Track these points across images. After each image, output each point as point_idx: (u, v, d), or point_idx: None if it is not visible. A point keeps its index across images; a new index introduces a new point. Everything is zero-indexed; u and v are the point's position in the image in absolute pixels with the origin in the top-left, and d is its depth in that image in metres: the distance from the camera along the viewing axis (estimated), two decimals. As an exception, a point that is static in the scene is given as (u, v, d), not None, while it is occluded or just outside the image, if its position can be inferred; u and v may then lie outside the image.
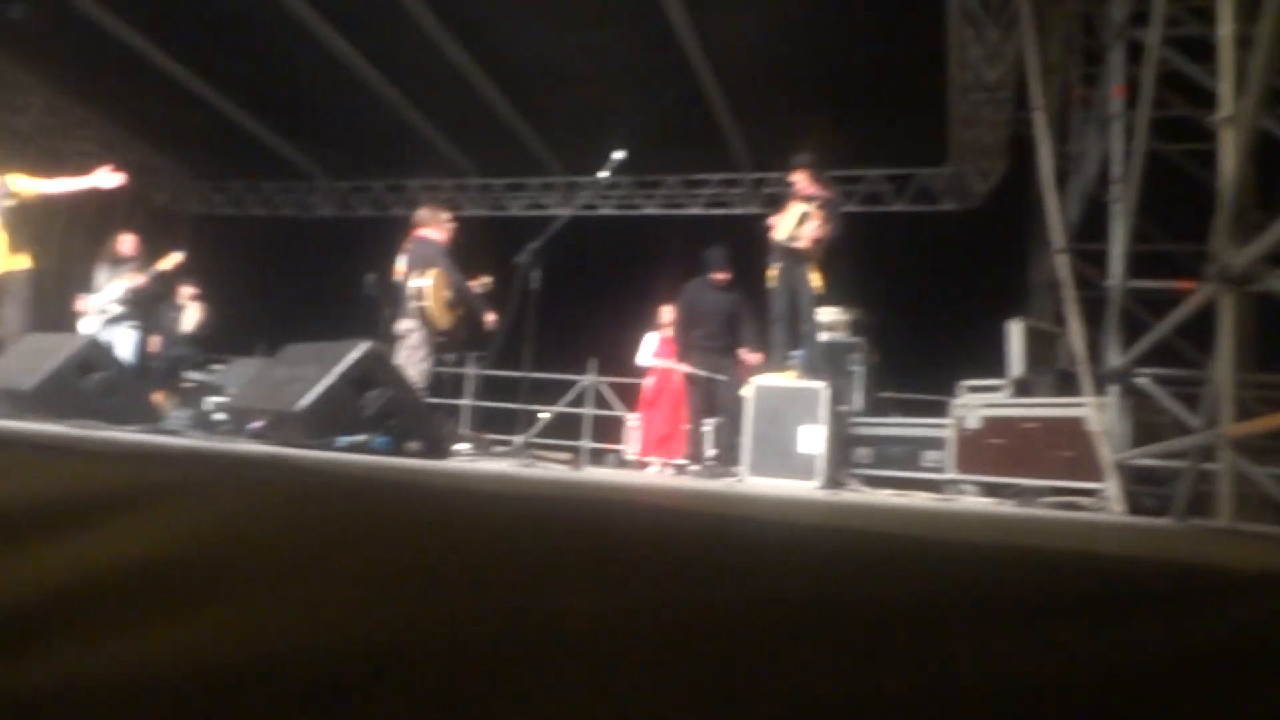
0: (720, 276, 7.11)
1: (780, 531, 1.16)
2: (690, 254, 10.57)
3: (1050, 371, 6.32)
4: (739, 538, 1.28)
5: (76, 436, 1.89)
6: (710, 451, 7.39)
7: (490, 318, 6.30)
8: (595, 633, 0.98)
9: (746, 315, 7.01)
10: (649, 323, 8.70)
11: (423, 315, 6.32)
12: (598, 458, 10.42)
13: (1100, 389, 5.53)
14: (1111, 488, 5.29)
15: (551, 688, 0.96)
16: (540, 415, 10.60)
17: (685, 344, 7.25)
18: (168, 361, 8.87)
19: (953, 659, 0.98)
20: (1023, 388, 6.41)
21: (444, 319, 6.36)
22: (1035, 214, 9.64)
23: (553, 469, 4.25)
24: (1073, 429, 5.76)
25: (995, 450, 6.23)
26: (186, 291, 9.31)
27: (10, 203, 5.65)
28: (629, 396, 10.85)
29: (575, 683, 0.96)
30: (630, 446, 10.19)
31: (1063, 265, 5.46)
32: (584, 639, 0.98)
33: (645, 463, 8.35)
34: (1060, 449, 5.82)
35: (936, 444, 6.73)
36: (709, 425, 9.85)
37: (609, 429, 10.96)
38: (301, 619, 1.04)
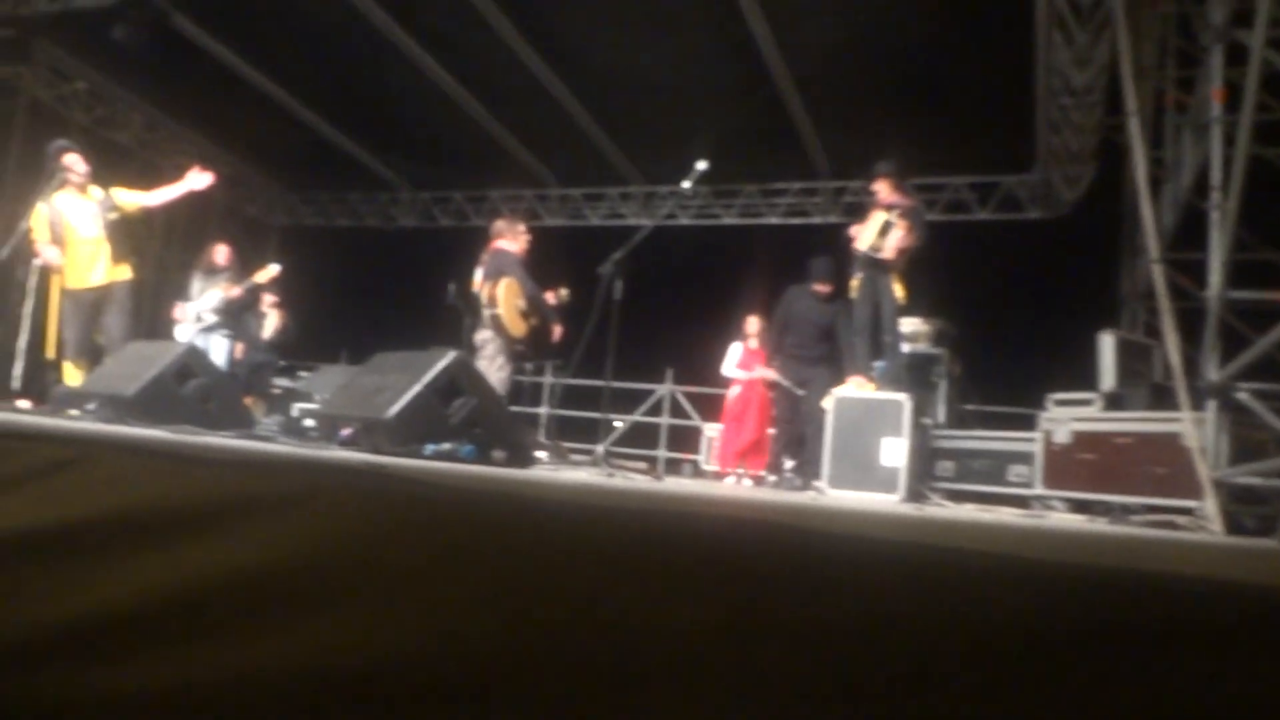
0: (822, 288, 6.95)
1: (887, 550, 1.14)
2: (768, 263, 10.58)
3: (1144, 385, 6.11)
4: (836, 554, 1.27)
5: (191, 444, 1.96)
6: (789, 463, 7.31)
7: (558, 329, 6.35)
8: (698, 648, 0.98)
9: (844, 331, 6.81)
10: (729, 332, 8.66)
11: (496, 324, 6.40)
12: (673, 467, 10.42)
13: (1197, 404, 5.33)
14: (1209, 506, 5.09)
15: (653, 702, 0.96)
16: (616, 424, 10.65)
17: (775, 350, 7.14)
18: (249, 368, 9.13)
19: (1064, 689, 0.95)
20: (1114, 401, 6.21)
21: (517, 327, 6.42)
22: (1125, 222, 9.40)
23: (635, 479, 4.26)
24: (1168, 445, 5.57)
25: (1085, 466, 6.05)
26: (268, 299, 9.59)
27: (113, 216, 5.87)
28: (704, 406, 10.84)
29: (677, 698, 0.96)
30: (708, 456, 10.17)
31: (1158, 275, 5.28)
32: (688, 654, 0.98)
33: (725, 474, 8.31)
34: (1155, 465, 5.62)
35: (1023, 458, 6.57)
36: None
37: (684, 438, 10.95)
38: (410, 628, 1.06)
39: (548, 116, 10.18)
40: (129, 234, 5.94)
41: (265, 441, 3.66)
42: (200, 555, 1.21)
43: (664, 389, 11.09)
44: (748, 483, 7.82)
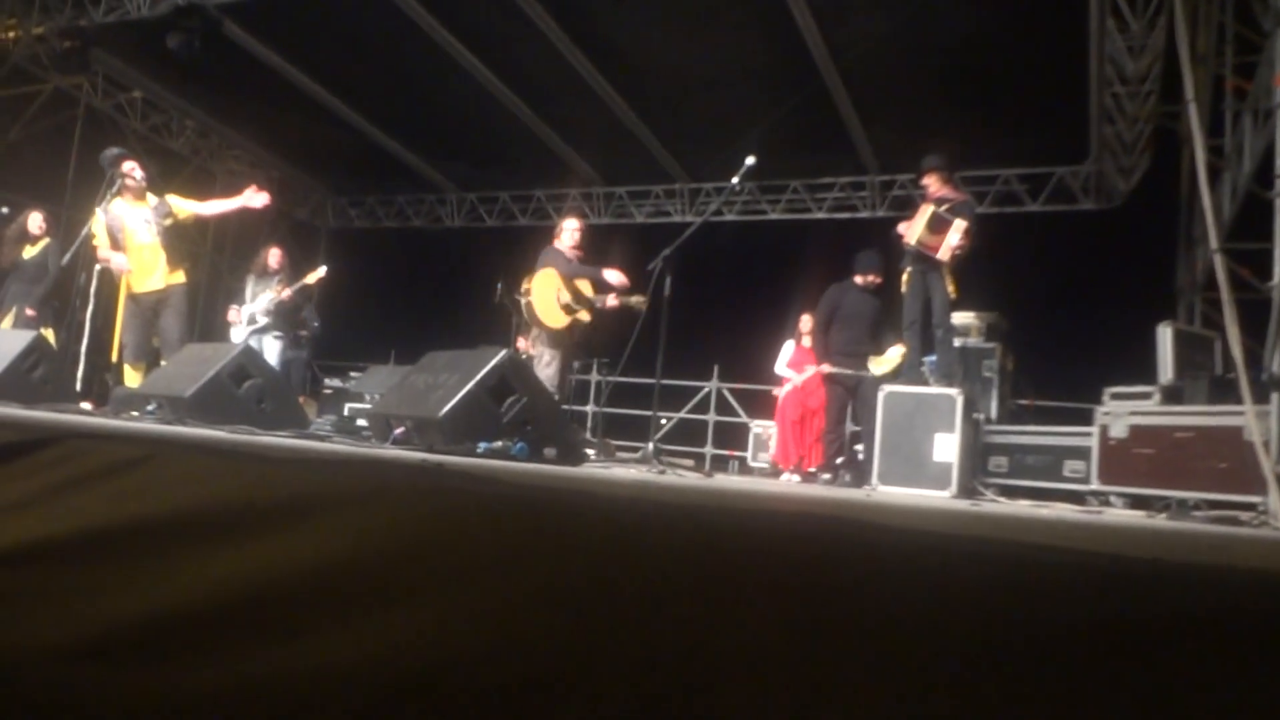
0: (873, 279, 6.81)
1: (949, 545, 1.13)
2: (815, 259, 10.50)
3: (1204, 378, 5.97)
4: (896, 550, 1.25)
5: (258, 443, 1.99)
6: (839, 460, 7.26)
7: (585, 317, 6.27)
8: (762, 647, 0.98)
9: (887, 323, 6.75)
10: (774, 329, 8.62)
11: (529, 312, 6.40)
12: (719, 464, 10.39)
13: (1260, 397, 5.19)
14: (1274, 501, 4.96)
15: (718, 702, 0.96)
16: (662, 420, 10.66)
17: (824, 348, 7.01)
18: (283, 365, 9.24)
19: (1132, 686, 0.93)
20: (1173, 395, 6.08)
21: (553, 318, 6.36)
22: (1181, 212, 9.20)
23: (685, 475, 4.26)
24: (1230, 439, 5.43)
25: (1143, 460, 5.93)
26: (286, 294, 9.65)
27: (168, 222, 5.99)
28: (751, 403, 10.81)
29: (742, 698, 0.96)
30: (754, 453, 10.14)
31: (1220, 265, 5.15)
32: (752, 653, 0.97)
33: (778, 470, 8.29)
34: (1216, 460, 5.50)
35: (1078, 453, 6.45)
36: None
37: (731, 435, 10.94)
38: (477, 626, 1.07)
39: (593, 115, 10.21)
40: (183, 239, 6.05)
41: (324, 440, 3.71)
42: (270, 552, 1.23)
43: (710, 385, 11.08)
44: (795, 478, 7.79)
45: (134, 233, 5.91)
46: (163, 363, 5.91)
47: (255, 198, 6.13)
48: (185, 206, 6.09)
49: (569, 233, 6.54)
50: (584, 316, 6.27)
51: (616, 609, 1.04)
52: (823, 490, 5.34)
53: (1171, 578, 1.14)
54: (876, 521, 1.85)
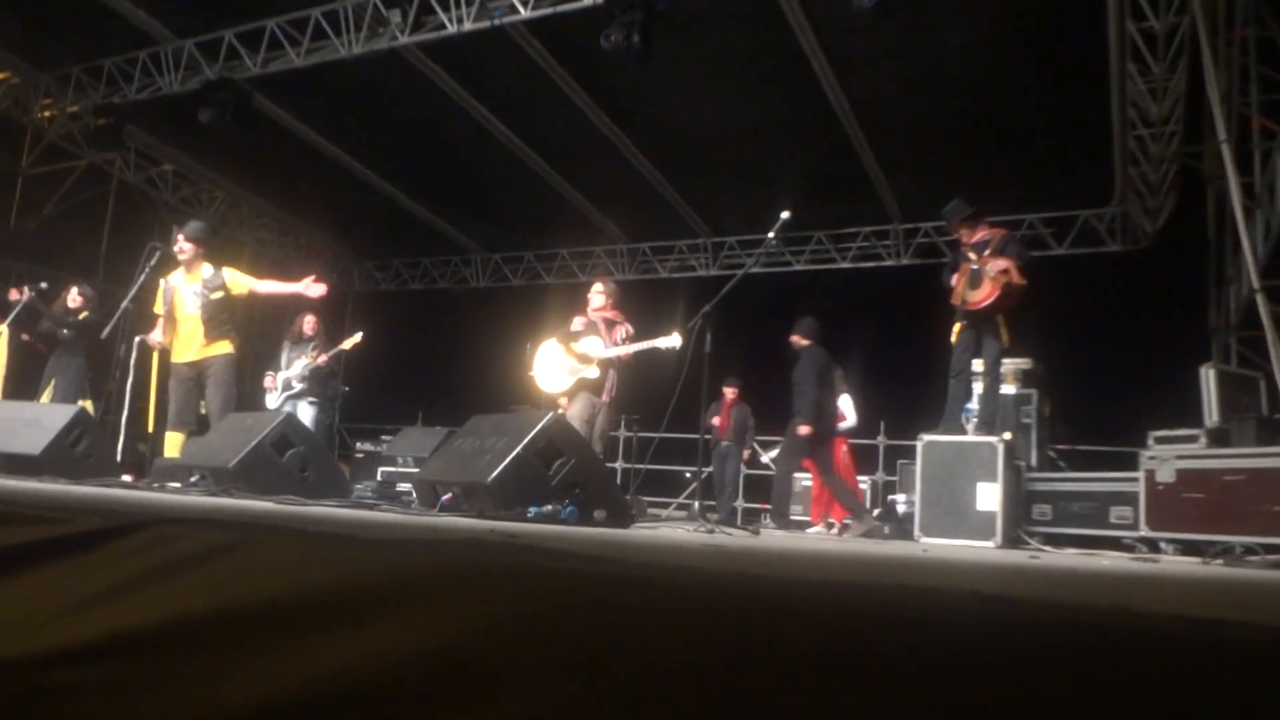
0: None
1: (1027, 612, 1.09)
2: (841, 309, 10.49)
3: (1251, 418, 5.87)
4: (976, 619, 1.21)
5: (339, 521, 1.97)
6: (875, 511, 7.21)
7: (593, 373, 6.18)
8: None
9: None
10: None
11: (534, 387, 6.52)
12: (750, 517, 10.28)
13: (1311, 437, 5.11)
14: (1332, 544, 4.86)
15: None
16: (686, 474, 10.59)
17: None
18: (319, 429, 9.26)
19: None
20: (1220, 437, 5.98)
21: (556, 384, 6.38)
22: (1209, 252, 9.15)
23: (734, 534, 4.21)
24: (1282, 481, 5.33)
25: (1192, 505, 5.81)
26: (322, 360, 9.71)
27: (216, 295, 5.99)
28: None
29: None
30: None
31: (1262, 305, 5.10)
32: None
33: (814, 524, 8.25)
34: (1269, 502, 5.37)
35: (1125, 499, 6.33)
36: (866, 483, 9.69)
37: (760, 487, 10.84)
38: (587, 714, 1.04)
39: (615, 173, 10.33)
40: (233, 313, 6.09)
41: (369, 509, 3.69)
42: (373, 640, 1.20)
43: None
44: (820, 530, 7.74)
45: (182, 304, 5.99)
46: (208, 433, 5.93)
47: (313, 287, 6.17)
48: (241, 281, 6.13)
49: (594, 295, 6.53)
50: (590, 373, 6.18)
51: (743, 693, 1.01)
52: (881, 548, 5.26)
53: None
54: (951, 586, 1.81)
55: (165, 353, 6.13)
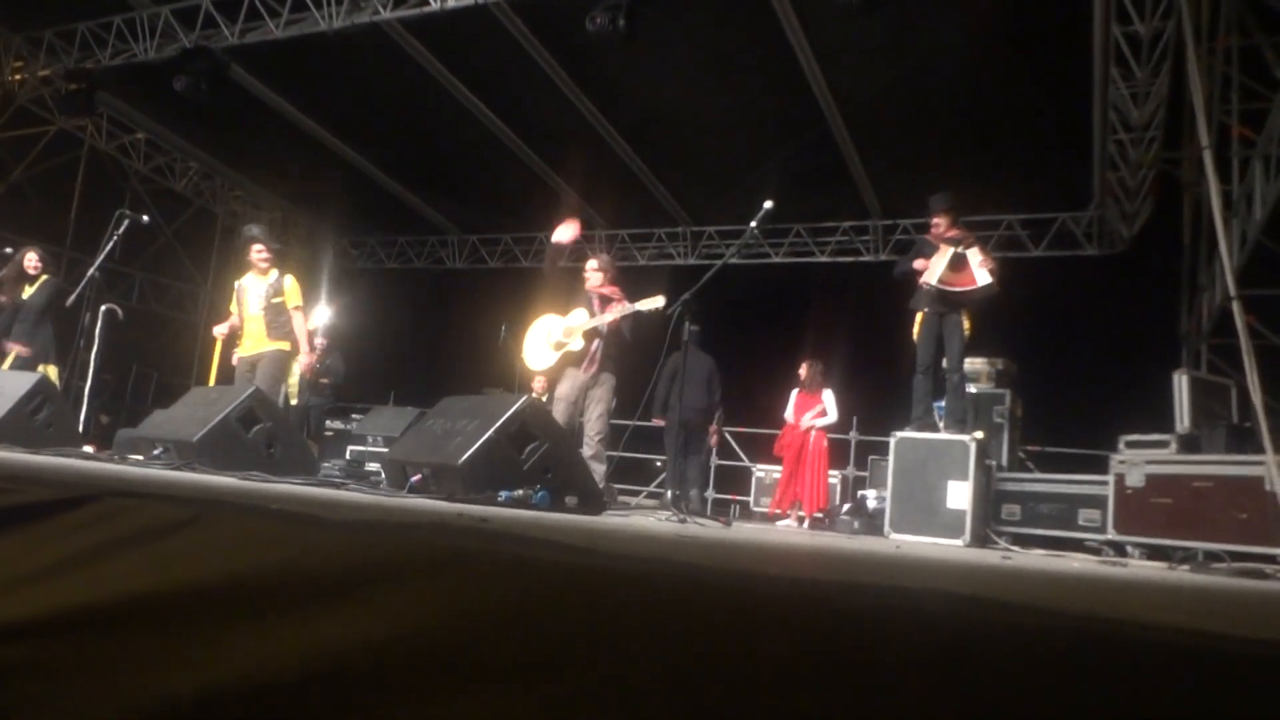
0: None
1: (1057, 624, 1.05)
2: (817, 302, 10.49)
3: (1222, 426, 5.92)
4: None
5: (302, 500, 1.91)
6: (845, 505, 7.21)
7: (579, 344, 5.93)
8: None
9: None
10: (776, 372, 8.63)
11: (523, 366, 6.48)
12: (721, 508, 10.27)
13: (1280, 445, 5.15)
14: (1297, 552, 4.90)
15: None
16: (656, 463, 10.56)
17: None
18: (301, 411, 9.15)
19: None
20: (1191, 443, 6.02)
21: (541, 360, 6.21)
22: (1184, 259, 9.21)
23: (706, 525, 4.17)
24: (1250, 489, 5.37)
25: (1161, 510, 5.86)
26: (317, 342, 9.61)
27: (276, 299, 6.52)
28: (752, 446, 10.73)
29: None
30: (758, 497, 10.06)
31: (1238, 313, 5.13)
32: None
33: (778, 516, 8.25)
34: (1236, 510, 5.42)
35: (1094, 502, 6.37)
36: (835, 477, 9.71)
37: (732, 479, 10.83)
38: (569, 709, 0.99)
39: (596, 158, 10.23)
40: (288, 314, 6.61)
41: (336, 487, 3.62)
42: (335, 626, 1.15)
43: (712, 429, 10.97)
44: (803, 525, 7.74)
45: (249, 304, 6.56)
46: (174, 405, 5.88)
47: (564, 229, 6.23)
48: (293, 293, 6.65)
49: (590, 274, 6.29)
50: (575, 345, 5.98)
51: (718, 694, 0.96)
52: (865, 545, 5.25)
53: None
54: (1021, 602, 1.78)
55: (227, 343, 6.85)
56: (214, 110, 9.52)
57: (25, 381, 5.28)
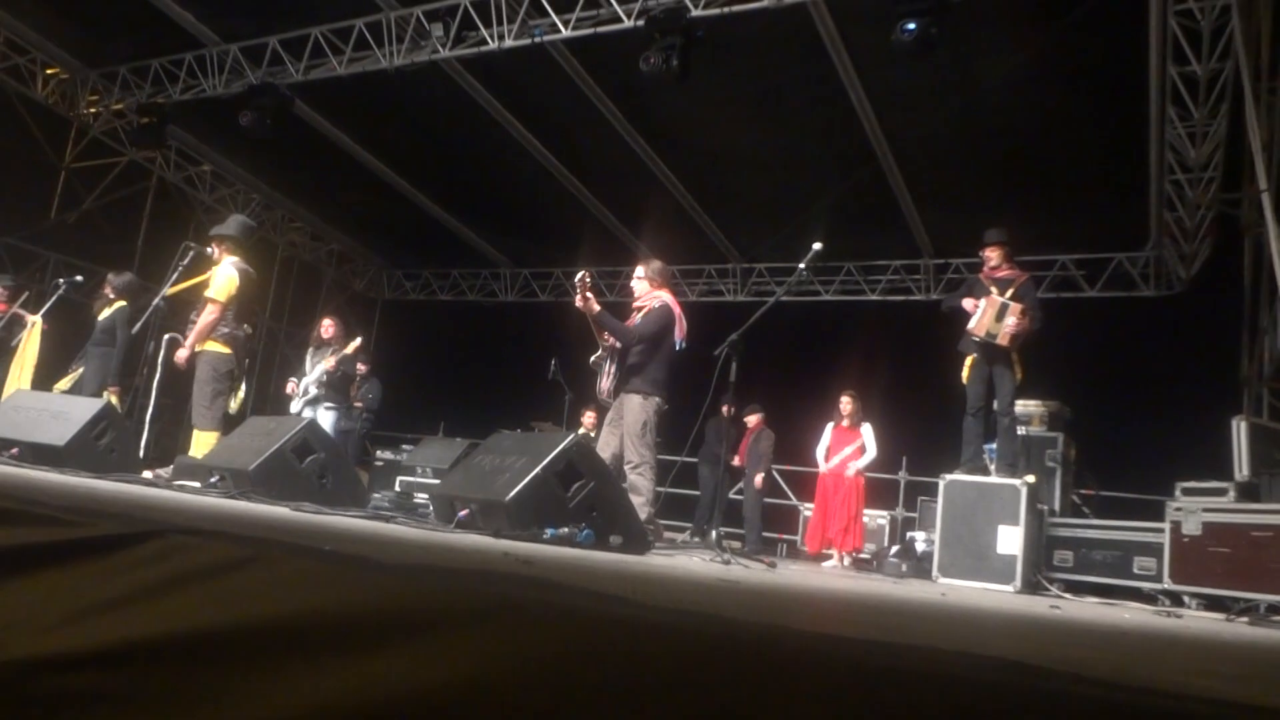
0: None
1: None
2: (867, 340, 10.41)
3: (1282, 475, 5.77)
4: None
5: (366, 538, 1.96)
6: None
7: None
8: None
9: None
10: (824, 410, 8.57)
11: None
12: (768, 546, 10.19)
13: (1344, 496, 5.01)
14: (1361, 608, 4.75)
15: None
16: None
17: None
18: (340, 435, 9.26)
19: None
20: (1249, 492, 5.87)
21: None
22: (1244, 301, 9.02)
23: (751, 566, 4.16)
24: (1313, 540, 5.23)
25: (1218, 559, 5.71)
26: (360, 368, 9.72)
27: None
28: (799, 485, 10.64)
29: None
30: (802, 537, 9.98)
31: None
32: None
33: (822, 556, 8.20)
34: (1298, 561, 5.28)
35: (1149, 549, 6.23)
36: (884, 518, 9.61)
37: (779, 517, 10.74)
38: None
39: (648, 195, 10.33)
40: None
41: (385, 520, 3.68)
42: (381, 669, 1.18)
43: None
44: (845, 564, 7.67)
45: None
46: (231, 434, 6.00)
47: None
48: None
49: (636, 284, 6.05)
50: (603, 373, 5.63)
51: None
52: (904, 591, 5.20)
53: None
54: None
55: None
56: (277, 144, 9.80)
57: (91, 407, 5.46)
